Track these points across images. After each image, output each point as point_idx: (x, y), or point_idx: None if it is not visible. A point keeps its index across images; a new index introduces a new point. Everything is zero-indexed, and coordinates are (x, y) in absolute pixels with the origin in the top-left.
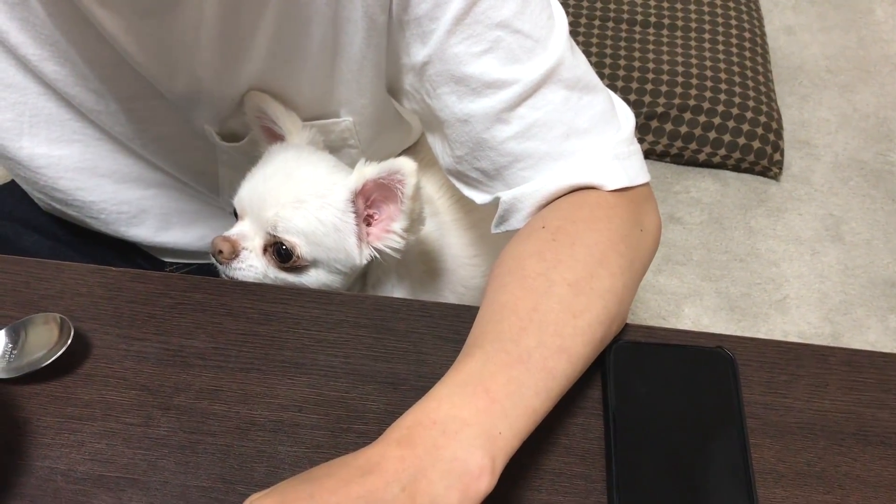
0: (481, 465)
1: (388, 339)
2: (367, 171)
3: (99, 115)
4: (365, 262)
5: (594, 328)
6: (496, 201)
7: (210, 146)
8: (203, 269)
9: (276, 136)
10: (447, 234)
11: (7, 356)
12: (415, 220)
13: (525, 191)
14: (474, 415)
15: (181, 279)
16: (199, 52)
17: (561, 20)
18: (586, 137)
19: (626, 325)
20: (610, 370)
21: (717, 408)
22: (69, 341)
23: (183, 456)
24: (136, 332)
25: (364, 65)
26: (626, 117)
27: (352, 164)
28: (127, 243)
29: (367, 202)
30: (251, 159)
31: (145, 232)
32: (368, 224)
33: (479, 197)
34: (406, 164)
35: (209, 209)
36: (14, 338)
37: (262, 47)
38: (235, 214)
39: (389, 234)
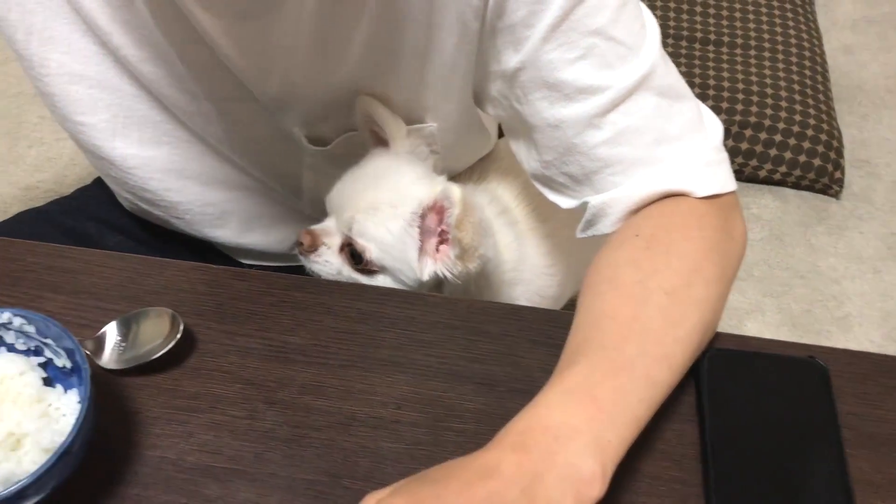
0: (593, 472)
1: (482, 340)
2: (438, 188)
3: (192, 117)
4: (427, 279)
5: (692, 337)
6: (582, 206)
7: (296, 149)
8: (280, 271)
9: (382, 141)
10: (525, 244)
11: (117, 348)
12: (466, 251)
13: (615, 195)
14: (584, 422)
15: (282, 278)
16: (295, 55)
17: (653, 29)
18: (676, 144)
19: (721, 334)
20: (704, 378)
21: (811, 417)
22: (179, 335)
23: (288, 449)
24: (238, 328)
25: (453, 70)
26: (713, 126)
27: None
28: (204, 245)
29: (441, 219)
30: (337, 163)
31: (228, 233)
32: (443, 242)
33: (565, 202)
34: (452, 192)
35: (290, 212)
36: (124, 330)
37: (356, 51)
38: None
39: (449, 258)
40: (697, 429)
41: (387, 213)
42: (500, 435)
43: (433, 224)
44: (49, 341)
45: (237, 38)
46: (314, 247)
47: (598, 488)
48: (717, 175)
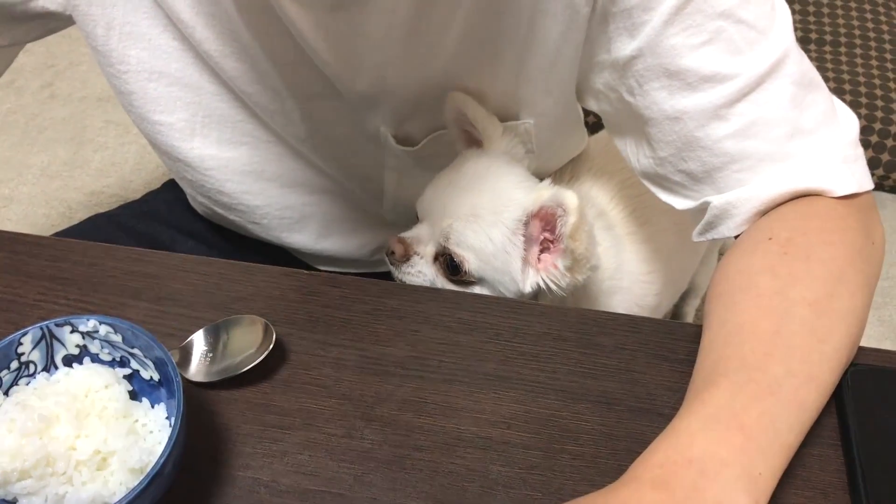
0: None
1: (596, 354)
2: (545, 193)
3: (273, 115)
4: (529, 290)
5: (840, 353)
6: (700, 207)
7: (379, 150)
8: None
9: (474, 141)
10: (623, 249)
11: (204, 359)
12: (579, 261)
13: (741, 195)
14: (732, 454)
15: (374, 284)
16: (387, 49)
17: (783, 10)
18: (811, 138)
19: (861, 348)
20: (847, 397)
21: None
22: (272, 345)
23: (390, 472)
24: (332, 338)
25: (557, 62)
26: (848, 118)
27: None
28: (278, 251)
29: (546, 225)
30: (423, 165)
31: (306, 238)
32: (545, 250)
33: (681, 202)
34: (568, 200)
35: (370, 217)
36: (211, 341)
37: (452, 43)
38: (416, 217)
39: (555, 269)
40: (841, 454)
41: (488, 221)
42: (637, 468)
43: (536, 232)
44: (136, 351)
45: (327, 30)
46: (406, 256)
47: None
48: (854, 173)
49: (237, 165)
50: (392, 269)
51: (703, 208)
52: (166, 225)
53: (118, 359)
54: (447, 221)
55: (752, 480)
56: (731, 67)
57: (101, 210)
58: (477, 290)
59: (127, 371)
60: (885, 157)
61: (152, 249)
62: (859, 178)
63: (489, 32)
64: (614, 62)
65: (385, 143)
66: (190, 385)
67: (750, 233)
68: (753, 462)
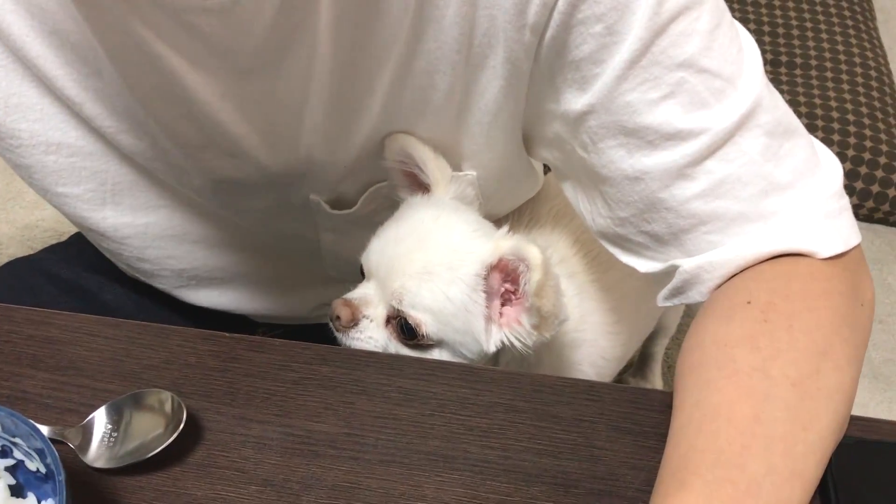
0: None
1: (552, 428)
2: (504, 244)
3: (183, 188)
4: (494, 349)
5: (825, 441)
6: (667, 270)
7: (310, 215)
8: (297, 329)
9: (419, 185)
10: (586, 298)
11: (106, 440)
12: (546, 318)
13: (714, 259)
14: None
15: (305, 348)
16: (307, 116)
17: (752, 51)
18: (789, 193)
19: None
20: (833, 475)
21: None
22: (182, 426)
23: None
24: (254, 413)
25: (497, 116)
26: (831, 165)
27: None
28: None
29: (506, 277)
30: (360, 223)
31: (240, 299)
32: (506, 303)
33: (645, 265)
34: (531, 255)
35: (309, 273)
36: (115, 418)
37: (378, 104)
38: (361, 272)
39: (520, 325)
40: None
41: (444, 278)
42: None
43: (496, 284)
44: (19, 441)
45: (238, 99)
46: (354, 321)
47: None
48: (839, 229)
49: (156, 231)
50: (338, 336)
51: (669, 272)
52: (94, 270)
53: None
54: (398, 281)
55: None
56: (695, 123)
57: (36, 245)
58: (437, 352)
59: (10, 462)
60: (860, 184)
61: (73, 301)
62: (845, 235)
63: (421, 91)
64: (564, 115)
65: (318, 209)
66: (90, 471)
67: (726, 293)
68: None
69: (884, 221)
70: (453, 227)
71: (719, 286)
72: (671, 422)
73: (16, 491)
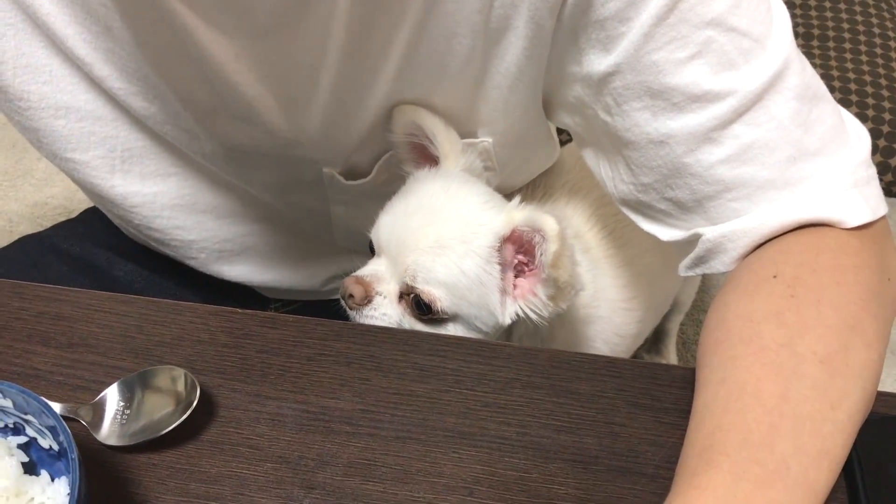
0: None
1: (571, 404)
2: (517, 215)
3: (195, 154)
4: (509, 321)
5: (853, 419)
6: (690, 238)
7: (321, 187)
8: (310, 305)
9: (427, 158)
10: (601, 275)
11: (119, 418)
12: (562, 289)
13: (738, 227)
14: None
15: (319, 324)
16: (323, 77)
17: (780, 12)
18: (817, 160)
19: None
20: (857, 453)
21: None
22: (195, 403)
23: None
24: (269, 390)
25: (518, 80)
26: (859, 133)
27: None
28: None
29: (519, 248)
30: (372, 193)
31: (248, 271)
32: (519, 274)
33: (667, 233)
34: (547, 225)
35: (319, 245)
36: (127, 395)
37: (394, 67)
38: (371, 249)
39: (535, 297)
40: None
41: (458, 251)
42: None
43: (509, 256)
44: (30, 418)
45: (253, 60)
46: (368, 298)
47: None
48: (868, 198)
49: (166, 200)
50: (351, 313)
51: (692, 240)
52: (104, 246)
53: (11, 425)
54: (411, 256)
55: None
56: (723, 84)
57: (45, 223)
58: (450, 327)
59: (22, 439)
60: (877, 157)
61: (83, 277)
62: (874, 205)
63: (439, 54)
64: (587, 77)
65: (331, 182)
66: (103, 449)
67: (751, 266)
68: None
69: None
70: (464, 199)
71: (744, 256)
72: (695, 399)
73: (29, 468)
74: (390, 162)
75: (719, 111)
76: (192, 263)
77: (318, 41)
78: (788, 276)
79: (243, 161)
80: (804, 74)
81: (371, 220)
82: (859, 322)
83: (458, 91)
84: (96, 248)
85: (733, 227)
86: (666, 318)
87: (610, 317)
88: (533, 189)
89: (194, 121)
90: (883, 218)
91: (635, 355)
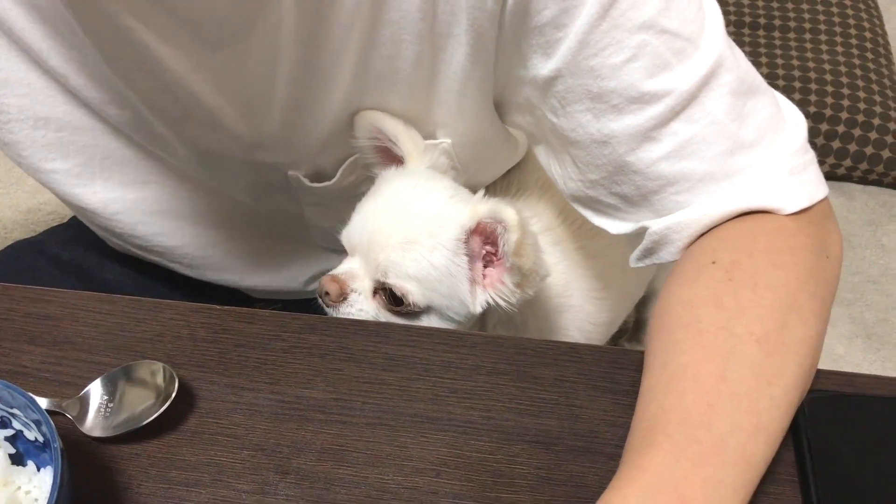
0: None
1: (534, 388)
2: (481, 208)
3: (170, 159)
4: (480, 310)
5: (790, 395)
6: (637, 231)
7: (292, 189)
8: (292, 304)
9: (392, 158)
10: (572, 265)
11: (103, 411)
12: (527, 276)
13: (682, 219)
14: None
15: (294, 318)
16: (278, 86)
17: (712, 9)
18: (754, 151)
19: (819, 370)
20: (804, 429)
21: None
22: (174, 394)
23: None
24: (245, 382)
25: (466, 84)
26: (795, 120)
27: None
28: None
29: (486, 240)
30: (341, 195)
31: (232, 276)
32: (488, 265)
33: (616, 226)
34: (507, 216)
35: (299, 246)
36: (110, 389)
37: (348, 73)
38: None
39: (503, 285)
40: (799, 490)
41: (426, 245)
42: None
43: (477, 247)
44: (16, 411)
45: (210, 71)
46: (343, 295)
47: None
48: (805, 183)
49: (146, 206)
50: (328, 310)
51: (640, 233)
52: (94, 250)
53: None
54: (382, 253)
55: None
56: (659, 85)
57: (38, 229)
58: (424, 319)
59: (9, 432)
60: (853, 146)
61: (73, 280)
62: (811, 189)
63: (389, 59)
64: (533, 80)
65: (297, 184)
66: (88, 441)
67: (692, 255)
68: None
69: (878, 183)
70: (430, 195)
71: (688, 246)
72: (641, 383)
73: (16, 459)
74: (356, 165)
75: (657, 111)
76: (176, 268)
77: (270, 52)
78: (726, 261)
79: (215, 164)
80: (738, 69)
81: (344, 220)
82: (795, 301)
83: (413, 94)
84: (86, 253)
85: (677, 219)
86: (645, 307)
87: (582, 305)
88: (507, 185)
89: (165, 127)
90: (823, 200)
91: (616, 344)
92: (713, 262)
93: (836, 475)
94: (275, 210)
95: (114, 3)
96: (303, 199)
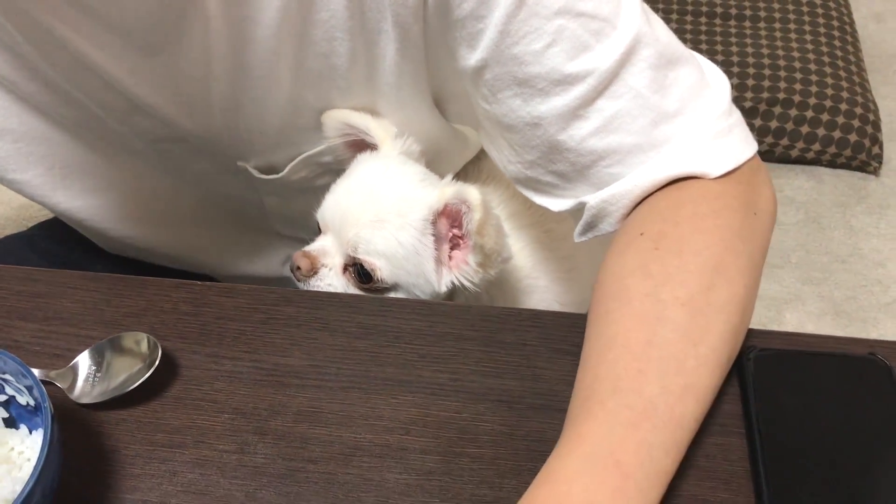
0: None
1: (498, 352)
2: (448, 191)
3: (129, 157)
4: (445, 290)
5: (718, 352)
6: (577, 207)
7: (250, 179)
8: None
9: (367, 148)
10: (540, 248)
11: (91, 380)
12: (489, 256)
13: (616, 191)
14: (611, 497)
15: (271, 292)
16: (215, 86)
17: None
18: (678, 119)
19: (765, 331)
20: (749, 383)
21: (875, 422)
22: (157, 362)
23: (283, 486)
24: (225, 351)
25: (401, 78)
26: (719, 83)
27: None
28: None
29: (454, 223)
30: (297, 186)
31: (209, 269)
32: (455, 247)
33: (556, 203)
34: (471, 196)
35: (270, 236)
36: (98, 359)
37: (286, 73)
38: (318, 228)
39: (467, 265)
40: (745, 442)
41: (395, 224)
42: None
43: (444, 230)
44: (9, 377)
45: (146, 75)
46: (313, 270)
47: None
48: (729, 146)
49: (111, 212)
50: (300, 284)
51: (580, 208)
52: (83, 245)
53: None
54: (353, 230)
55: None
56: (581, 66)
57: (31, 224)
58: (393, 295)
59: (2, 397)
60: (822, 131)
61: (44, 268)
62: (737, 151)
63: (325, 56)
64: (463, 71)
65: (247, 174)
66: (77, 408)
67: (625, 227)
68: (630, 501)
69: (846, 166)
70: (401, 177)
71: (625, 216)
72: (581, 354)
73: (9, 423)
74: (308, 161)
75: (581, 91)
76: (160, 262)
77: (202, 56)
78: (654, 231)
79: (171, 154)
80: (657, 43)
81: (305, 209)
82: (721, 262)
83: (354, 89)
84: (76, 246)
85: (612, 192)
86: None
87: (549, 286)
88: (477, 172)
89: (116, 122)
90: (751, 159)
91: None
92: (641, 234)
93: (778, 427)
94: (235, 200)
95: (45, 13)
96: (260, 188)
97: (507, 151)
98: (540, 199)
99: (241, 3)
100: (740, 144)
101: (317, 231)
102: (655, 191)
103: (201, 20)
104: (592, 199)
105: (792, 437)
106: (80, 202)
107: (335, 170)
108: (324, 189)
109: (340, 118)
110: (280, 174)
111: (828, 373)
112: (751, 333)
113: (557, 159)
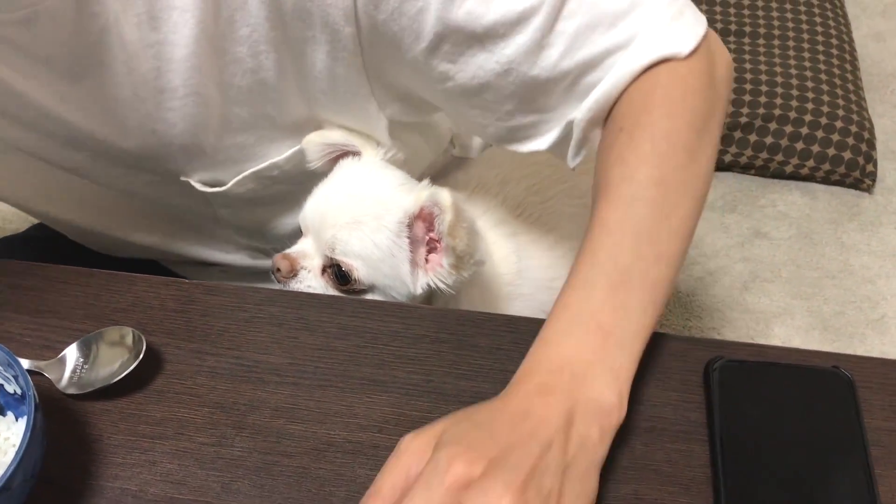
0: (611, 403)
1: (472, 355)
2: (423, 194)
3: (80, 176)
4: (420, 292)
5: (686, 223)
6: (566, 131)
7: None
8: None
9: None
10: (525, 256)
11: (78, 371)
12: (461, 258)
13: (598, 95)
14: (594, 353)
15: (256, 291)
16: (143, 107)
17: None
18: (632, 15)
19: (730, 342)
20: (714, 392)
21: (835, 434)
22: (142, 356)
23: (258, 478)
24: (209, 347)
25: (335, 83)
26: None
27: None
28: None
29: (430, 227)
30: (251, 200)
31: (189, 272)
32: (432, 251)
33: (546, 139)
34: (441, 197)
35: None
36: (85, 352)
37: (215, 93)
38: (300, 231)
39: (442, 268)
40: (708, 449)
41: (371, 226)
42: (520, 379)
43: (421, 233)
44: None
45: (79, 100)
46: (293, 272)
47: (618, 415)
48: (686, 25)
49: (79, 230)
50: (280, 286)
51: (569, 131)
52: (77, 244)
53: None
54: (330, 231)
55: (613, 373)
56: (530, 1)
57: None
58: (369, 297)
59: None
60: (816, 147)
61: (39, 263)
62: (695, 29)
63: (253, 73)
64: (413, 60)
65: (197, 188)
66: (64, 398)
67: (608, 128)
68: (613, 356)
69: (840, 183)
70: (380, 182)
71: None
72: None
73: None
74: (256, 175)
75: (539, 21)
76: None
77: (126, 79)
78: (630, 124)
79: (114, 169)
80: None
81: (260, 219)
82: (689, 142)
83: (289, 100)
84: (73, 243)
85: (595, 97)
86: None
87: (533, 294)
88: (466, 181)
89: (61, 146)
90: (706, 33)
91: None
92: (621, 129)
93: (740, 435)
94: (190, 211)
95: None
96: (211, 200)
97: (480, 117)
98: (528, 146)
99: (155, 27)
100: (694, 22)
101: (297, 234)
102: (632, 84)
103: (118, 45)
104: (578, 113)
105: (752, 445)
106: (52, 217)
107: (287, 180)
108: (277, 200)
109: (317, 139)
110: (223, 188)
111: (791, 384)
112: (718, 344)
113: (536, 96)
